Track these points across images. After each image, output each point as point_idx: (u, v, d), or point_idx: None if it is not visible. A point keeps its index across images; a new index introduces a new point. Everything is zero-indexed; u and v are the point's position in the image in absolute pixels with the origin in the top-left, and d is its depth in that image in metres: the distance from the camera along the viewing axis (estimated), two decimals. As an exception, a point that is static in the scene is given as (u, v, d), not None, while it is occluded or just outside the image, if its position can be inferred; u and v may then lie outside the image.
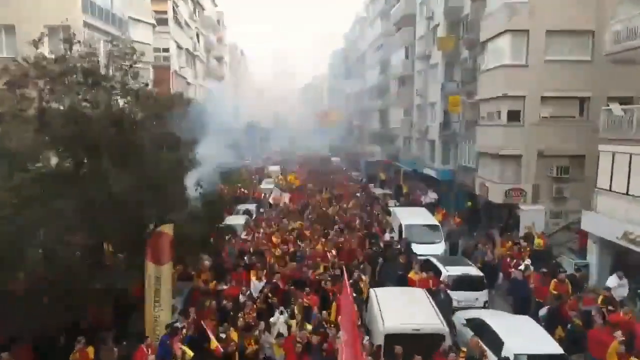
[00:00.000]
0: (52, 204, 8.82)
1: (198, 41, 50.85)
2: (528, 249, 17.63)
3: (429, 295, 12.72)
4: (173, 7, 39.47)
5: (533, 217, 21.91)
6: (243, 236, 21.37)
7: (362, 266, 15.92)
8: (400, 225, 21.69)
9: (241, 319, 11.78)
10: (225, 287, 14.20)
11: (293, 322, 12.01)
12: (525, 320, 12.15)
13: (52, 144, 9.60)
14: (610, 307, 11.43)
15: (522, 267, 15.15)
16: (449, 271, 15.64)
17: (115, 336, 10.82)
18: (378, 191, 36.92)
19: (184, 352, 10.12)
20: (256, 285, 14.21)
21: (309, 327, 11.95)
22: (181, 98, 19.90)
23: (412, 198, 31.55)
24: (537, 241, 19.29)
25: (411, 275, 14.79)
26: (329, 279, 14.08)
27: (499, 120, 23.27)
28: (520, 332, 11.23)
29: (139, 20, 32.35)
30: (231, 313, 12.48)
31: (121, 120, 10.02)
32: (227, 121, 25.34)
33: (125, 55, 11.00)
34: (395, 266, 16.63)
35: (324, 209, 26.91)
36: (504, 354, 10.24)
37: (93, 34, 23.46)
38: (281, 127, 60.46)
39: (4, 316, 8.74)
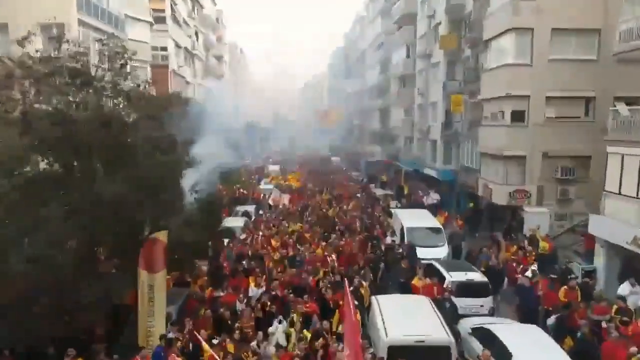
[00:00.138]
0: (40, 211, 8.36)
1: (197, 40, 50.36)
2: (533, 253, 17.15)
3: (433, 304, 12.27)
4: (171, 5, 38.99)
5: (537, 219, 21.43)
6: (242, 238, 20.91)
7: (362, 272, 15.43)
8: (402, 228, 21.22)
9: (238, 329, 11.33)
10: (221, 294, 13.73)
11: (292, 331, 11.55)
12: (534, 330, 11.68)
13: (39, 148, 9.14)
14: (624, 318, 10.96)
15: (529, 273, 14.68)
16: (452, 277, 15.18)
17: (107, 347, 10.39)
18: (379, 192, 36.44)
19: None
20: (254, 292, 13.76)
21: (307, 334, 11.56)
22: (178, 98, 19.34)
23: (414, 199, 31.06)
24: (543, 245, 18.81)
25: (414, 281, 14.32)
26: (329, 285, 13.59)
27: (503, 120, 22.82)
28: (528, 344, 10.77)
29: (136, 19, 31.89)
30: (229, 322, 12.04)
31: (111, 122, 9.53)
32: (226, 121, 24.91)
33: (116, 55, 10.55)
34: (397, 271, 16.20)
35: (324, 210, 26.46)
36: (512, 367, 9.81)
37: (89, 32, 23.04)
38: (281, 127, 59.99)
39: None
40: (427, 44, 35.99)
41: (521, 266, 15.71)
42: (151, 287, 10.86)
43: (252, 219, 25.85)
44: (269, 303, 12.88)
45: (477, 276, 15.28)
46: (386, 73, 49.95)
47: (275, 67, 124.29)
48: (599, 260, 16.49)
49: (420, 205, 28.65)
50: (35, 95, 9.37)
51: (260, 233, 20.91)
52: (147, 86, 11.12)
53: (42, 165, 9.48)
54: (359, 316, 11.91)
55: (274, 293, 13.34)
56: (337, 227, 21.60)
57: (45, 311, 8.89)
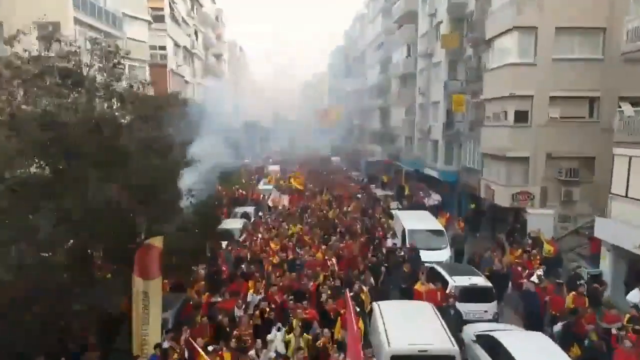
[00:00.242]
0: (28, 218, 8.02)
1: (196, 38, 50.01)
2: (538, 257, 16.79)
3: (436, 311, 11.92)
4: (170, 4, 38.64)
5: (541, 221, 21.12)
6: (240, 240, 20.56)
7: (362, 276, 15.05)
8: (404, 230, 20.86)
9: (235, 337, 10.98)
10: (219, 299, 13.37)
11: (292, 338, 11.21)
12: (540, 338, 11.33)
13: (27, 151, 8.77)
14: (637, 327, 10.60)
15: (534, 278, 14.32)
16: (455, 281, 14.83)
17: (101, 356, 10.06)
18: (379, 192, 36.09)
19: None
20: (253, 298, 13.40)
21: (308, 337, 11.25)
22: (175, 98, 18.96)
23: (415, 200, 30.69)
24: (547, 247, 18.48)
25: (417, 286, 13.94)
26: (329, 292, 13.22)
27: (506, 121, 22.47)
28: (534, 352, 10.43)
29: (134, 17, 31.54)
30: (227, 329, 11.70)
31: (103, 124, 9.17)
32: (225, 121, 24.60)
33: (108, 55, 10.19)
34: (399, 275, 15.85)
35: (324, 212, 26.11)
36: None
37: (85, 31, 22.69)
38: (281, 127, 59.62)
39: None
40: (429, 43, 35.64)
41: (527, 271, 15.31)
42: (146, 295, 10.52)
43: (251, 221, 25.52)
44: (267, 309, 12.54)
45: (481, 281, 14.91)
46: (387, 72, 49.58)
47: (275, 67, 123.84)
48: (605, 264, 16.16)
49: (421, 206, 28.30)
50: (24, 96, 9.01)
51: (260, 235, 20.56)
52: (141, 86, 10.68)
53: (32, 169, 9.12)
54: (361, 324, 11.57)
55: (272, 300, 12.97)
56: (338, 229, 21.21)
57: (36, 320, 8.54)
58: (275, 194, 32.45)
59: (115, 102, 9.89)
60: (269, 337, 11.41)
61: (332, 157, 59.12)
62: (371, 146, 56.50)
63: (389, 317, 11.54)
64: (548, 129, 21.67)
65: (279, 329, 11.58)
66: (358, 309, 12.35)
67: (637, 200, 14.91)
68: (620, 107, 17.97)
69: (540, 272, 14.53)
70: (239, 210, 27.88)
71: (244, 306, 12.99)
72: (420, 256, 17.63)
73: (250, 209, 28.08)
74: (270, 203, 30.04)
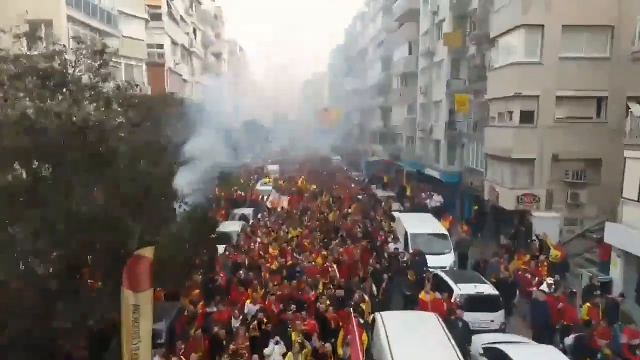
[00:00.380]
0: (7, 228, 7.45)
1: (195, 37, 49.39)
2: (545, 263, 16.21)
3: (442, 323, 11.35)
4: (167, 2, 38.01)
5: (547, 224, 20.56)
6: (239, 244, 19.97)
7: (363, 284, 14.47)
8: (406, 234, 20.29)
9: (231, 351, 10.44)
10: (214, 309, 12.81)
11: (290, 355, 10.66)
12: (550, 351, 10.79)
13: (4, 158, 8.20)
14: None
15: (544, 286, 13.74)
16: (461, 289, 14.27)
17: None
18: (380, 193, 35.50)
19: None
20: (250, 308, 12.83)
21: (308, 349, 10.74)
22: (170, 99, 18.33)
23: (417, 201, 30.12)
24: (554, 252, 17.92)
25: (422, 296, 13.34)
26: (328, 302, 12.66)
27: (511, 121, 21.90)
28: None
29: (131, 15, 30.92)
30: (223, 342, 11.16)
31: (87, 128, 8.58)
32: (224, 120, 24.00)
33: (94, 54, 9.60)
34: (402, 282, 15.30)
35: (324, 214, 25.54)
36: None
37: (79, 29, 22.10)
38: (281, 126, 58.96)
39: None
40: (430, 41, 35.07)
41: (536, 278, 14.70)
42: (136, 307, 9.90)
43: (250, 223, 24.96)
44: (265, 320, 11.99)
45: (487, 288, 14.34)
46: (387, 71, 48.98)
47: (274, 66, 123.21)
48: (616, 271, 15.59)
49: (423, 208, 27.73)
50: (1, 98, 8.42)
51: (258, 239, 19.97)
52: (129, 87, 10.08)
53: (11, 177, 8.54)
54: (365, 336, 11.03)
55: (269, 310, 12.42)
56: (339, 233, 20.60)
57: (16, 339, 7.98)
58: (275, 195, 31.87)
59: (101, 104, 9.32)
60: (266, 351, 10.88)
61: (333, 157, 58.55)
62: (372, 146, 55.94)
63: (393, 330, 10.96)
64: (554, 129, 21.10)
65: (277, 343, 11.03)
66: (362, 321, 11.82)
67: (650, 205, 14.36)
68: (629, 107, 17.43)
69: (550, 280, 13.92)
70: (237, 212, 27.32)
71: (241, 317, 12.45)
72: (426, 261, 17.03)
73: (248, 211, 27.50)
74: (269, 204, 29.45)
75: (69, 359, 9.56)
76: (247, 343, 11.24)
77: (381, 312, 12.55)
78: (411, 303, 14.53)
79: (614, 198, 20.39)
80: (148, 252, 9.75)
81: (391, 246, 18.98)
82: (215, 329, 11.47)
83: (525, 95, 21.07)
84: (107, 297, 9.17)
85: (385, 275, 15.29)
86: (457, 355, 9.75)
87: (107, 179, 8.85)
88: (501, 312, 13.92)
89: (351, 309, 12.08)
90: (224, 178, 29.73)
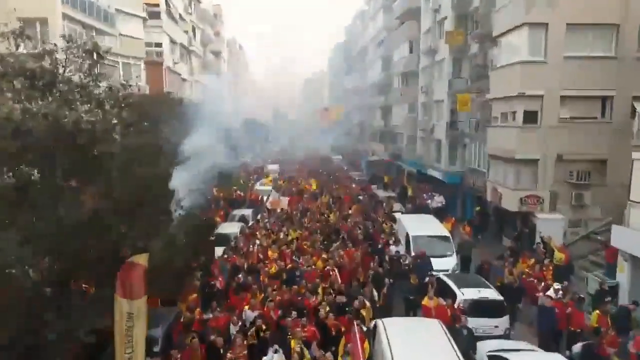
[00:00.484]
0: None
1: (194, 35, 49.03)
2: (550, 267, 15.86)
3: (446, 330, 11.01)
4: (166, 0, 37.65)
5: (551, 226, 20.23)
6: (238, 246, 19.60)
7: (364, 289, 14.12)
8: (408, 236, 19.93)
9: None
10: (210, 315, 12.45)
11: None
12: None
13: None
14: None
15: (551, 292, 13.37)
16: (464, 294, 13.92)
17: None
18: (381, 193, 35.16)
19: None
20: (248, 315, 12.48)
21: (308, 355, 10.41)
22: (166, 99, 17.94)
23: (419, 202, 29.75)
24: (558, 255, 17.58)
25: (425, 301, 12.98)
26: (328, 308, 12.31)
27: (514, 121, 21.53)
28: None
29: (128, 14, 30.56)
30: (221, 351, 10.81)
31: (77, 131, 8.20)
32: (223, 120, 23.66)
33: (84, 54, 9.22)
34: (404, 287, 14.94)
35: (325, 215, 25.19)
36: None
37: (75, 28, 21.74)
38: (281, 125, 58.63)
39: None
40: (432, 39, 34.69)
41: (542, 283, 14.33)
42: (130, 316, 9.57)
43: (249, 224, 24.62)
44: (264, 327, 11.64)
45: (491, 293, 13.99)
46: (388, 70, 48.60)
47: (274, 64, 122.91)
48: (623, 275, 15.24)
49: (425, 209, 27.37)
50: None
51: (257, 242, 19.61)
52: (122, 87, 9.69)
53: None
54: (367, 344, 10.70)
55: (268, 316, 12.07)
56: (340, 235, 20.23)
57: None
58: (274, 195, 31.48)
59: (93, 105, 8.95)
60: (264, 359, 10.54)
61: (333, 157, 58.18)
62: (372, 145, 55.58)
63: (395, 337, 10.60)
64: (558, 130, 20.75)
65: (275, 351, 10.69)
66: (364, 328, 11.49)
67: (659, 208, 14.01)
68: (634, 107, 17.10)
69: (558, 286, 13.54)
70: (237, 213, 26.96)
71: (240, 323, 12.11)
72: (429, 265, 16.68)
73: (248, 212, 27.13)
74: (268, 205, 29.08)
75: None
76: (245, 352, 10.90)
77: (383, 319, 12.21)
78: (414, 308, 14.20)
79: (619, 199, 20.11)
80: (142, 259, 9.43)
81: (393, 249, 18.62)
82: (212, 337, 11.11)
83: (529, 95, 20.70)
84: (100, 305, 8.79)
85: (386, 280, 14.91)
86: (461, 362, 9.43)
87: (99, 184, 8.51)
88: (506, 318, 13.57)
89: (352, 315, 11.76)
90: (223, 178, 29.39)
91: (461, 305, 13.51)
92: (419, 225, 20.89)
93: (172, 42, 39.87)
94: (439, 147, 33.85)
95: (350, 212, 26.32)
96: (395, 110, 46.89)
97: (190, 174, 14.94)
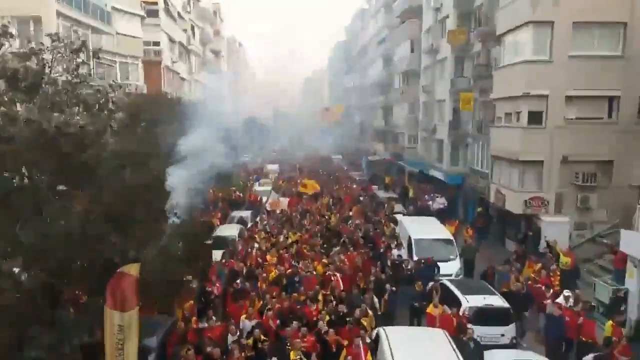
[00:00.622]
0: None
1: (193, 34, 48.55)
2: (558, 273, 15.41)
3: (451, 340, 10.59)
4: (164, -2, 37.22)
5: (556, 229, 19.79)
6: (237, 250, 19.16)
7: (364, 296, 13.69)
8: (410, 239, 19.49)
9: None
10: (205, 325, 11.99)
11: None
12: (568, 372, 10.06)
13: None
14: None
15: (560, 299, 12.91)
16: (469, 301, 13.49)
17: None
18: (382, 194, 34.72)
19: None
20: (245, 324, 12.04)
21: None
22: (165, 98, 17.45)
23: (420, 204, 29.28)
24: (564, 259, 17.14)
25: (430, 309, 12.53)
26: (327, 318, 11.87)
27: (518, 122, 21.09)
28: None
29: (125, 12, 30.11)
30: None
31: (63, 135, 7.74)
32: (222, 119, 23.19)
33: (71, 53, 8.76)
34: (407, 293, 14.50)
35: (325, 217, 24.74)
36: None
37: (70, 26, 21.26)
38: (281, 124, 58.06)
39: None
40: (433, 38, 34.21)
41: (551, 290, 13.86)
42: (121, 328, 9.15)
43: (248, 226, 24.18)
44: (262, 337, 11.20)
45: (497, 300, 13.55)
46: (389, 68, 48.10)
47: (274, 63, 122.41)
48: (632, 282, 14.75)
49: (427, 210, 26.92)
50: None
51: (256, 245, 19.15)
52: (112, 89, 9.21)
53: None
54: (369, 357, 10.27)
55: (267, 326, 11.63)
56: (341, 239, 19.76)
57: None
58: (274, 196, 30.99)
59: (80, 108, 8.50)
60: (262, 373, 10.12)
61: (333, 156, 57.61)
62: (373, 144, 55.10)
63: (398, 348, 10.20)
64: (564, 130, 20.32)
65: (274, 363, 10.27)
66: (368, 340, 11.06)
67: (670, 212, 13.56)
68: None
69: (568, 293, 13.05)
70: (235, 214, 26.51)
71: (238, 333, 11.67)
72: (434, 270, 16.24)
73: (246, 214, 26.68)
74: (268, 207, 28.61)
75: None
76: (243, 364, 10.47)
77: (385, 328, 11.80)
78: (418, 316, 13.77)
79: (626, 202, 19.72)
80: (133, 269, 9.00)
81: (395, 253, 18.16)
82: (209, 348, 10.67)
83: (534, 94, 20.26)
84: (89, 318, 8.35)
85: (387, 286, 14.44)
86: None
87: (88, 191, 8.06)
88: (512, 326, 13.15)
89: (353, 325, 11.34)
90: (221, 178, 28.91)
91: (466, 312, 13.09)
92: (421, 228, 20.46)
93: (171, 40, 39.42)
94: (440, 147, 33.40)
95: (350, 213, 25.88)
96: (396, 109, 46.42)
97: (187, 175, 14.50)
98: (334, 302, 13.04)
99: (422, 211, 27.19)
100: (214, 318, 12.09)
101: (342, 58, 76.84)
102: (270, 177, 41.47)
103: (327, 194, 32.04)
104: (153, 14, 35.22)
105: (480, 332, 12.61)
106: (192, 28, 48.61)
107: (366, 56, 60.38)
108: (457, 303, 13.52)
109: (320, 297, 13.53)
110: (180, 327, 11.78)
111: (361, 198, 31.55)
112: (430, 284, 15.20)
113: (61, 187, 8.36)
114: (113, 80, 9.50)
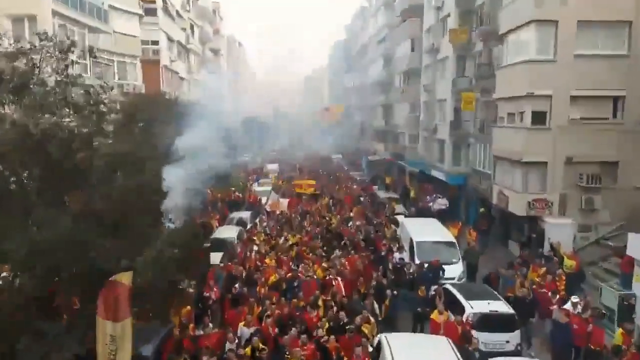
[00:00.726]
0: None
1: (192, 33, 48.18)
2: (564, 278, 15.07)
3: (456, 350, 10.25)
4: (162, -4, 36.84)
5: (560, 231, 19.45)
6: (235, 252, 18.82)
7: (364, 301, 13.35)
8: (411, 241, 19.16)
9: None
10: (203, 332, 11.66)
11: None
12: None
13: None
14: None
15: (568, 305, 12.55)
16: (473, 307, 13.15)
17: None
18: (382, 194, 34.38)
19: None
20: (244, 332, 11.71)
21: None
22: (162, 98, 17.08)
23: (421, 205, 28.93)
24: (568, 262, 16.83)
25: (434, 316, 12.17)
26: (326, 325, 11.55)
27: (522, 122, 20.74)
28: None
29: (123, 11, 29.75)
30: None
31: (50, 139, 7.38)
32: (222, 119, 22.88)
33: (59, 53, 8.40)
34: (408, 299, 14.17)
35: (326, 218, 24.39)
36: None
37: (66, 25, 20.94)
38: (281, 124, 57.73)
39: None
40: (434, 37, 33.82)
41: (557, 296, 13.51)
42: (113, 339, 8.83)
43: (247, 228, 23.84)
44: (260, 346, 10.87)
45: (501, 306, 13.20)
46: (389, 68, 47.73)
47: (274, 61, 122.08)
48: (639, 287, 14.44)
49: (429, 212, 26.56)
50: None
51: (255, 247, 18.81)
52: (102, 90, 8.83)
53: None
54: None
55: (266, 333, 11.29)
56: (342, 241, 19.41)
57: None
58: (274, 197, 30.65)
59: (69, 111, 8.15)
60: (261, 383, 9.80)
61: (333, 156, 57.28)
62: (373, 144, 54.76)
63: (400, 357, 9.88)
64: (568, 131, 19.97)
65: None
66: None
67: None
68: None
69: (576, 299, 12.70)
70: (234, 215, 26.18)
71: (236, 341, 11.33)
72: (439, 275, 15.90)
73: (246, 215, 26.35)
74: (268, 208, 28.28)
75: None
76: (240, 374, 10.15)
77: (387, 334, 11.48)
78: (421, 322, 13.44)
79: (631, 203, 19.41)
80: (126, 278, 8.66)
81: (396, 256, 17.82)
82: (205, 357, 10.34)
83: (538, 94, 19.91)
84: (81, 328, 8.01)
85: (388, 292, 14.06)
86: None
87: (78, 196, 7.73)
88: (517, 333, 12.81)
89: (353, 334, 11.01)
90: (220, 179, 28.59)
91: (470, 319, 12.76)
92: (423, 230, 20.13)
93: (170, 39, 39.05)
94: (442, 147, 33.04)
95: (351, 214, 25.55)
96: (396, 108, 46.05)
97: (185, 176, 14.18)
98: (335, 309, 12.72)
99: (423, 212, 26.85)
100: (210, 325, 11.73)
101: (342, 57, 76.45)
102: (270, 177, 41.14)
103: (327, 195, 31.69)
104: (151, 12, 34.86)
105: (484, 338, 12.35)
106: (191, 27, 48.24)
107: (366, 55, 60.01)
108: (460, 309, 13.21)
109: (320, 303, 13.19)
110: (176, 335, 11.42)
111: (361, 198, 31.19)
112: (433, 288, 14.95)
113: (52, 192, 8.01)
114: (104, 82, 9.07)
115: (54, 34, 8.64)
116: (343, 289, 14.29)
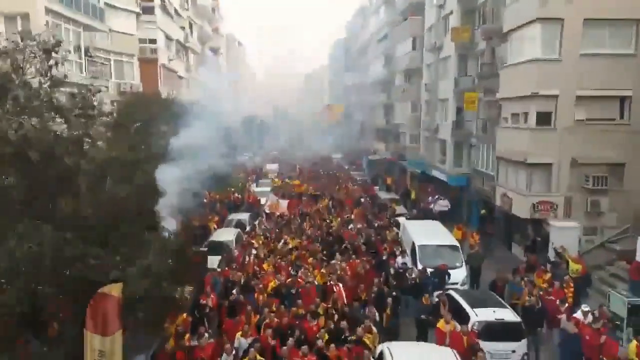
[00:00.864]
0: None
1: (191, 32, 47.67)
2: (571, 284, 14.63)
3: (461, 361, 9.84)
4: (160, -5, 36.33)
5: (565, 234, 19.04)
6: (234, 256, 18.37)
7: (366, 309, 12.91)
8: (413, 245, 18.73)
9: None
10: (198, 342, 11.22)
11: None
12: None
13: None
14: None
15: (578, 314, 12.10)
16: (478, 315, 12.72)
17: None
18: (383, 195, 33.94)
19: None
20: (242, 343, 11.27)
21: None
22: (157, 98, 16.65)
23: (423, 206, 28.48)
24: (574, 266, 16.41)
25: (440, 325, 11.69)
26: (326, 336, 11.11)
27: (526, 123, 20.29)
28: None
29: (120, 9, 29.28)
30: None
31: (29, 146, 6.95)
32: (222, 119, 22.45)
33: (42, 53, 7.95)
34: (411, 305, 13.73)
35: (327, 220, 23.94)
36: None
37: (60, 23, 20.47)
38: (281, 124, 57.26)
39: None
40: (436, 36, 33.36)
41: (566, 304, 13.04)
42: (102, 354, 8.42)
43: (247, 230, 23.41)
44: (258, 357, 10.44)
45: (507, 314, 12.79)
46: (390, 66, 47.24)
47: (274, 60, 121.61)
48: (649, 293, 14.05)
49: (431, 214, 26.12)
50: None
51: (254, 251, 18.35)
52: (89, 94, 8.39)
53: None
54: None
55: (265, 343, 10.87)
56: (343, 245, 18.95)
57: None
58: (273, 198, 30.21)
59: (53, 114, 7.71)
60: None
61: (333, 156, 56.82)
62: (374, 144, 54.30)
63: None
64: (574, 132, 19.53)
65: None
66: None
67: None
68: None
69: (587, 308, 12.24)
70: (233, 217, 25.75)
71: (233, 352, 10.91)
72: (444, 280, 15.47)
73: (245, 217, 25.92)
74: (267, 209, 27.83)
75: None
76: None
77: (390, 344, 11.09)
78: (425, 330, 12.99)
79: (637, 206, 18.99)
80: (115, 290, 8.23)
81: (399, 260, 17.35)
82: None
83: (543, 94, 19.46)
84: (66, 344, 7.58)
85: (389, 300, 13.60)
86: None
87: (63, 205, 7.30)
88: (524, 342, 12.39)
89: (354, 346, 10.59)
90: (219, 179, 28.13)
91: (475, 327, 12.33)
92: (425, 233, 19.71)
93: (168, 38, 38.57)
94: (443, 148, 32.59)
95: (352, 216, 25.10)
96: (397, 108, 45.56)
97: (181, 177, 13.77)
98: (336, 317, 12.29)
99: (425, 214, 26.43)
100: (206, 335, 11.29)
101: (343, 56, 75.92)
102: (270, 177, 40.70)
103: (327, 196, 31.24)
104: (149, 10, 34.35)
105: (490, 347, 11.92)
106: (190, 25, 47.74)
107: (367, 54, 59.50)
108: (465, 317, 12.78)
109: (321, 311, 12.74)
110: (170, 346, 10.97)
111: (362, 200, 30.73)
112: (436, 294, 14.52)
113: (38, 201, 7.58)
114: (92, 85, 8.64)
115: (38, 33, 8.18)
116: (344, 296, 13.86)
